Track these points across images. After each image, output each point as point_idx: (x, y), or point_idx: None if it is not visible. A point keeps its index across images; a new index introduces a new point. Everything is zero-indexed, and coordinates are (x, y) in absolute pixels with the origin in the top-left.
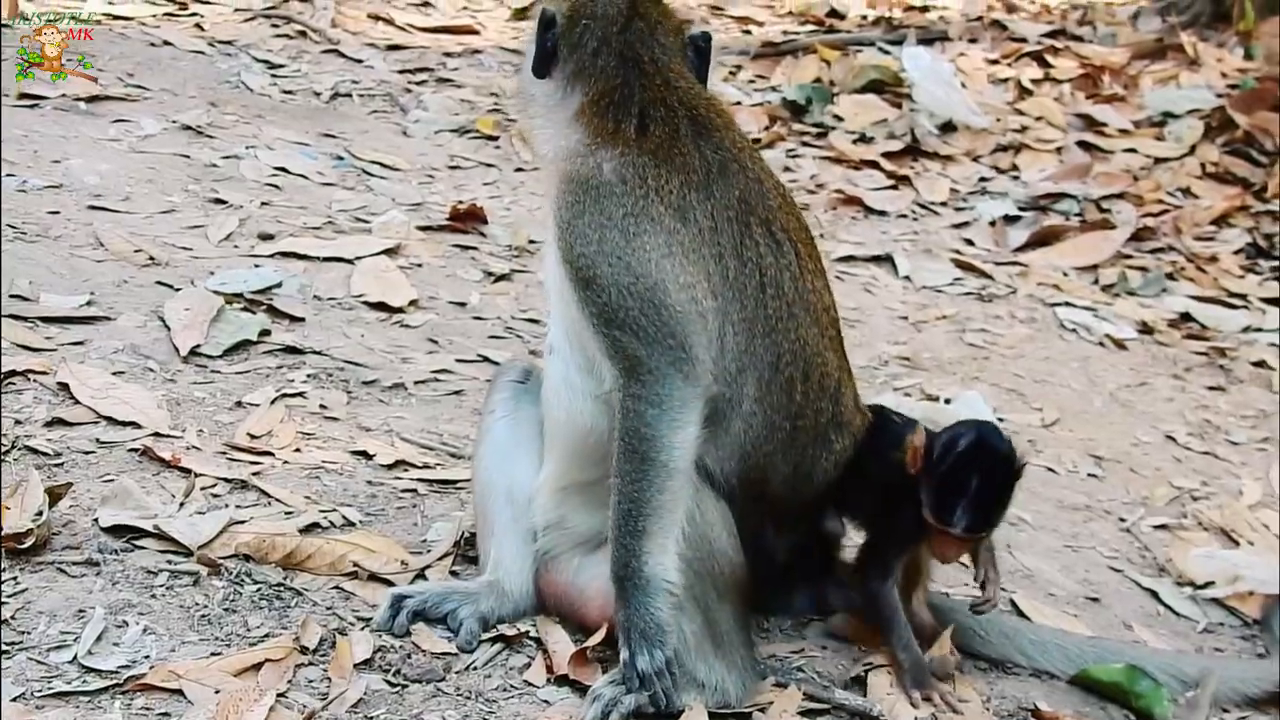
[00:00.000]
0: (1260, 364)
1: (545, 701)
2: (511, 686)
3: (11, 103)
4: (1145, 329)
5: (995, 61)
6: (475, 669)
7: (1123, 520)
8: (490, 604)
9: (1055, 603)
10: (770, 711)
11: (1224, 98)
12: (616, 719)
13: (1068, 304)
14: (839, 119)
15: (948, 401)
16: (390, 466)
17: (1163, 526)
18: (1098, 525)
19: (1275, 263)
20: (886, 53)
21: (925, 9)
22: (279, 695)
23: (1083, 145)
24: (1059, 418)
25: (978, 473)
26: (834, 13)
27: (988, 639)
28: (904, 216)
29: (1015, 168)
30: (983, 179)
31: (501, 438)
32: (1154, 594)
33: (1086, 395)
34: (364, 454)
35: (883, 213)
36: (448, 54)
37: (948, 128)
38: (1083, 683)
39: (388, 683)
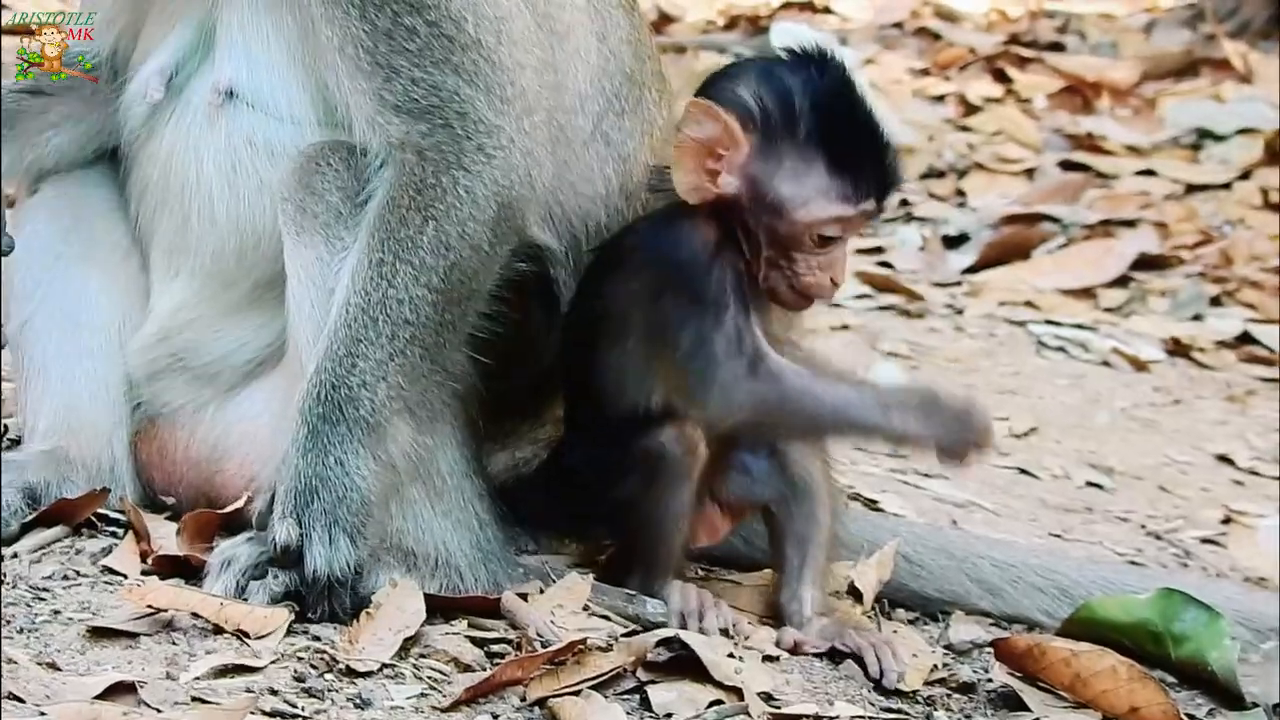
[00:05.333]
0: None
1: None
2: (77, 572)
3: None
4: (1178, 349)
5: (925, 73)
6: (17, 558)
7: (1145, 527)
8: (44, 476)
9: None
10: (538, 603)
11: None
12: (264, 599)
13: (1049, 322)
14: None
15: None
16: None
17: (1211, 541)
18: (1108, 529)
19: None
20: None
21: (813, 6)
22: None
23: (1068, 166)
24: (1036, 427)
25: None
26: (665, 17)
27: (919, 565)
28: None
29: (961, 194)
30: (905, 203)
31: (50, 228)
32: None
33: (1082, 410)
34: None
35: None
36: None
37: None
38: (1082, 629)
39: None
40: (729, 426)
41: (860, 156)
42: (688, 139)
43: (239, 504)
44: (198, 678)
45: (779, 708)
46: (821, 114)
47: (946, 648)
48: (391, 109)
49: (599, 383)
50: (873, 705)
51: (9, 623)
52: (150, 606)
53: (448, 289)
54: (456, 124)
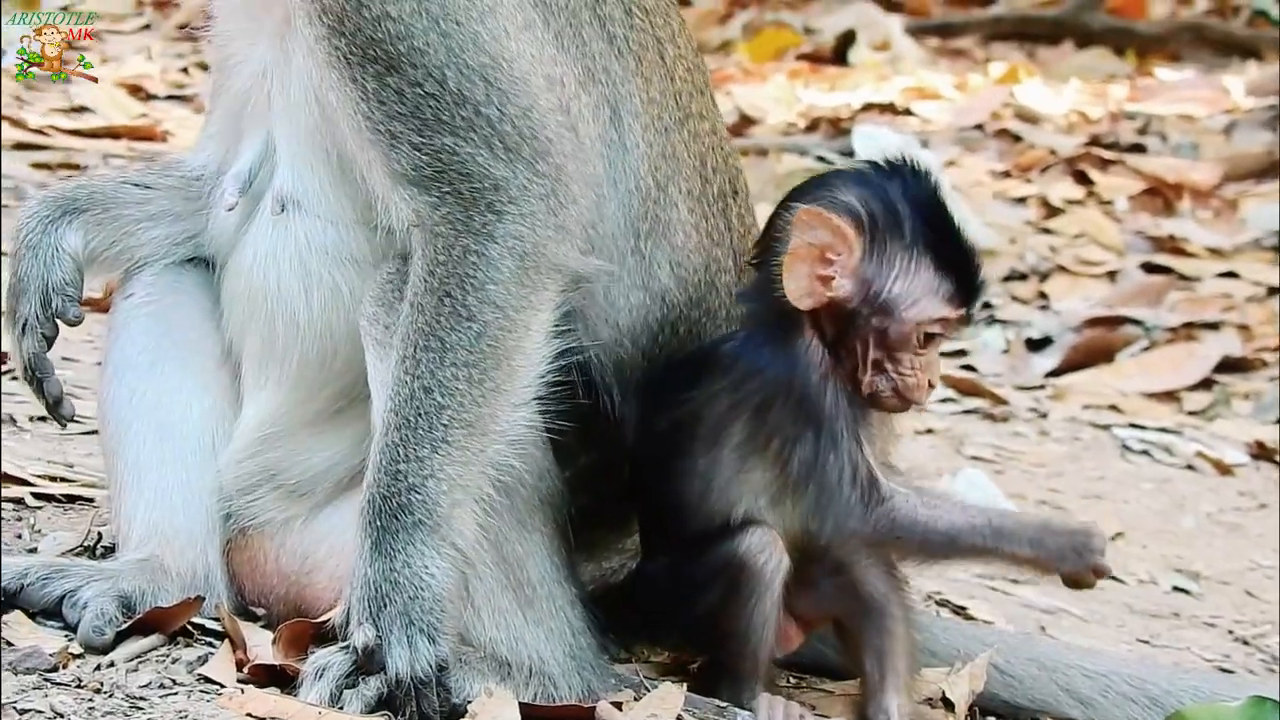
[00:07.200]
0: None
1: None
2: (173, 681)
3: None
4: (1263, 452)
5: (1006, 175)
6: (114, 666)
7: (1232, 633)
8: (138, 584)
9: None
10: (632, 712)
11: None
12: (359, 707)
13: (1133, 425)
14: None
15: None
16: None
17: None
18: (1196, 634)
19: None
20: (829, 163)
21: (894, 108)
22: None
23: (1151, 269)
24: (1122, 531)
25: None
26: (746, 119)
27: (1011, 675)
28: None
29: (1043, 296)
30: (987, 305)
31: (145, 338)
32: None
33: (1168, 514)
34: None
35: None
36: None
37: None
38: None
39: None
40: (844, 549)
41: (958, 260)
42: (801, 245)
43: (333, 614)
44: None
45: None
46: (923, 217)
47: None
48: (403, 181)
49: (680, 490)
50: None
51: None
52: (250, 715)
53: (478, 359)
54: (463, 186)
